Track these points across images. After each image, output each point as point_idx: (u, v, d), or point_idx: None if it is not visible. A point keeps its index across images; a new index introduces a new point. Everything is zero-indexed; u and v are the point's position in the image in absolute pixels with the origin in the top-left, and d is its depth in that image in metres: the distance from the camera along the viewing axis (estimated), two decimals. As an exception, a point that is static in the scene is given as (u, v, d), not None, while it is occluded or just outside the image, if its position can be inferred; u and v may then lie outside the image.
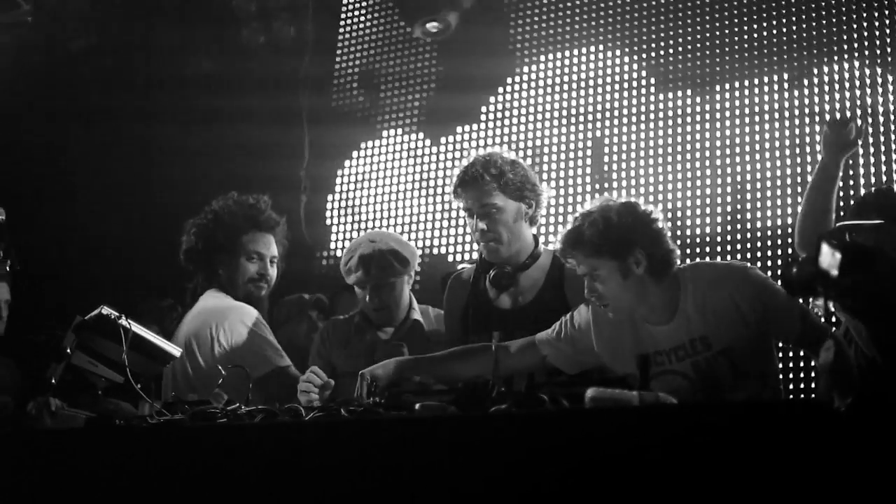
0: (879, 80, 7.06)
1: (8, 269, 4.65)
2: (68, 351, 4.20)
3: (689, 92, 7.59)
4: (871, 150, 6.94)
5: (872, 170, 6.93)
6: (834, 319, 5.13)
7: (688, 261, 4.41)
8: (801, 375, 6.58)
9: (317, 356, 5.25)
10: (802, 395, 6.50)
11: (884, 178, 6.86)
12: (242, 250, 5.37)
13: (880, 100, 7.02)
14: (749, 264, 4.43)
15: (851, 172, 6.90)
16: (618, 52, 7.96)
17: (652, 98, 7.72)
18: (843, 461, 2.89)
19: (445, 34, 8.28)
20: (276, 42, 8.98)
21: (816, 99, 7.19)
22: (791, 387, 6.51)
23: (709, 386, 4.20)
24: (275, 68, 8.82)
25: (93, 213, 8.45)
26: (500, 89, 8.30)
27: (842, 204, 6.42)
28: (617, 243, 4.19)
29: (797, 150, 7.13)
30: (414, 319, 5.25)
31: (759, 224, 7.08)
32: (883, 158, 6.94)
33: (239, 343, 5.08)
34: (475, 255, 7.43)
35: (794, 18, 7.43)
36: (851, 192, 6.86)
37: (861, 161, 6.93)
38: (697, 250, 7.12)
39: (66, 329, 4.24)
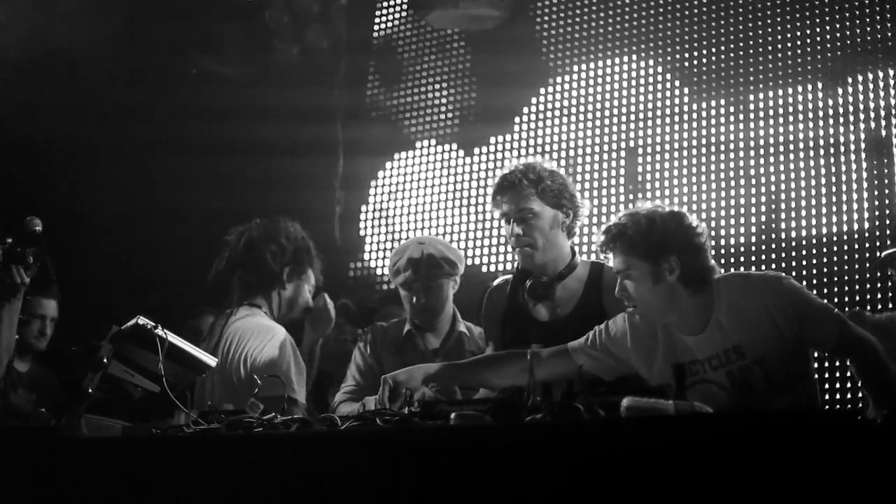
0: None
1: (25, 284, 4.69)
2: (104, 361, 4.21)
3: (721, 100, 7.58)
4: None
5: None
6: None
7: (722, 270, 4.40)
8: (838, 385, 6.55)
9: (368, 356, 5.26)
10: (838, 405, 6.48)
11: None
12: (307, 280, 5.41)
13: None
14: (783, 274, 4.41)
15: (887, 181, 6.88)
16: (651, 61, 7.96)
17: (685, 106, 7.72)
18: (878, 472, 2.88)
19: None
20: (309, 53, 9.01)
21: (851, 100, 7.16)
22: (827, 396, 6.49)
23: (744, 395, 4.19)
24: (309, 80, 8.83)
25: (128, 225, 8.48)
26: (534, 100, 8.31)
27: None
28: (654, 246, 4.21)
29: (832, 158, 7.11)
30: (460, 331, 5.29)
31: (793, 234, 7.06)
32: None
33: (276, 361, 5.10)
34: (510, 266, 7.51)
35: (827, 25, 7.41)
36: (887, 201, 6.84)
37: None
38: (732, 259, 7.10)
39: (103, 339, 4.26)
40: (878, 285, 6.60)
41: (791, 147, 7.25)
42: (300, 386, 5.06)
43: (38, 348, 6.69)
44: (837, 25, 7.40)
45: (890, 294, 6.63)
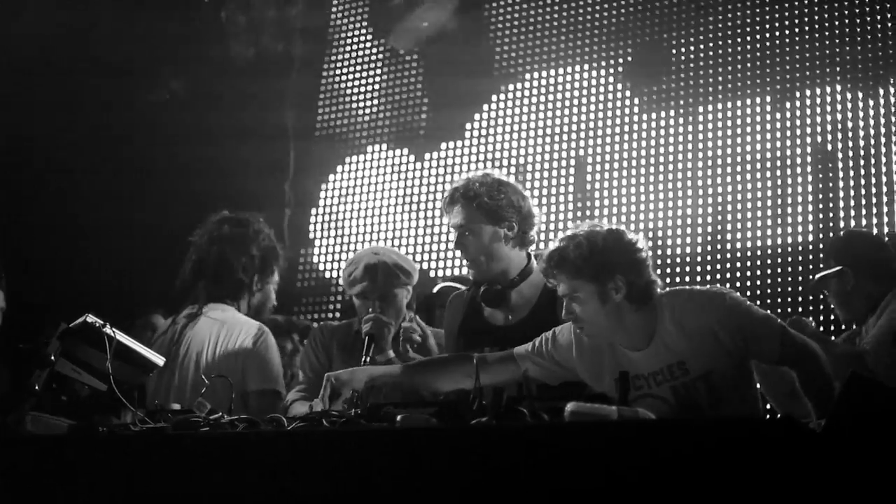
0: (861, 104, 7.13)
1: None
2: (52, 358, 4.20)
3: (671, 112, 7.65)
4: (851, 172, 7.01)
5: (852, 192, 7.00)
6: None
7: (667, 281, 4.45)
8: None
9: (319, 353, 5.26)
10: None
11: (862, 200, 6.93)
12: (273, 281, 5.46)
13: (861, 123, 7.09)
14: (727, 290, 4.44)
15: (832, 195, 6.98)
16: (602, 72, 8.03)
17: (635, 117, 7.79)
18: (816, 479, 2.93)
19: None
20: (264, 56, 9.01)
21: (798, 115, 7.26)
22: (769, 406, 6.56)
23: (688, 410, 4.21)
24: (262, 84, 8.83)
25: (82, 222, 8.43)
26: (485, 106, 8.37)
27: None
28: (599, 267, 4.22)
29: (777, 172, 7.20)
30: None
31: (738, 245, 7.14)
32: (862, 172, 7.01)
33: (264, 356, 5.15)
34: (457, 272, 7.55)
35: (777, 41, 7.50)
36: (831, 215, 6.94)
37: (841, 184, 7.01)
38: (678, 269, 7.16)
39: (51, 336, 4.25)
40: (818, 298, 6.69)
41: (738, 160, 7.33)
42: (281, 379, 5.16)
43: None
44: (787, 41, 7.50)
45: (822, 318, 6.73)
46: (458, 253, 5.33)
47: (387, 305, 5.17)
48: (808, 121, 7.25)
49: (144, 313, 6.67)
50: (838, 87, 7.23)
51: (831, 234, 6.89)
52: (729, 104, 7.50)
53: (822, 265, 5.68)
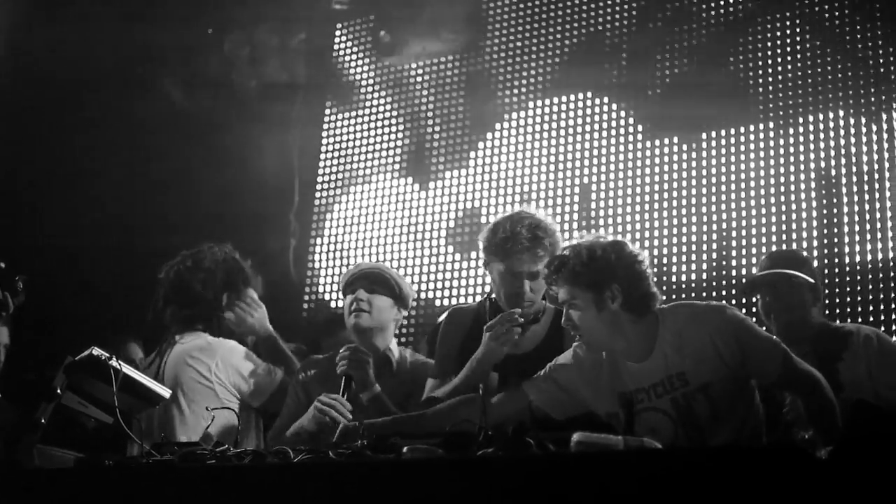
0: (864, 129, 7.14)
1: (9, 311, 4.67)
2: (58, 391, 4.21)
3: (675, 139, 7.66)
4: (855, 197, 7.02)
5: (856, 217, 7.00)
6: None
7: (670, 299, 4.48)
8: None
9: (299, 389, 5.26)
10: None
11: (867, 225, 6.94)
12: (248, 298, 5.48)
13: (864, 148, 7.10)
14: (728, 304, 4.49)
15: (836, 221, 6.99)
16: (606, 99, 8.04)
17: (639, 144, 7.80)
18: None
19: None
20: (267, 85, 9.03)
21: (802, 140, 7.27)
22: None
23: (688, 424, 4.26)
24: (266, 110, 8.85)
25: (85, 255, 8.43)
26: (489, 135, 8.37)
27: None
28: (595, 275, 4.30)
29: (781, 197, 7.20)
30: (386, 355, 5.30)
31: (743, 271, 7.14)
32: (867, 197, 7.02)
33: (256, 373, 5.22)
34: (461, 301, 7.54)
35: (779, 66, 7.52)
36: (835, 240, 6.94)
37: (845, 209, 7.01)
38: (683, 296, 7.16)
39: (57, 369, 4.26)
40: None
41: (742, 186, 7.34)
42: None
43: None
44: (790, 66, 7.51)
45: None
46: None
47: (374, 309, 5.20)
48: (812, 146, 7.26)
49: (119, 342, 6.64)
50: (841, 113, 7.24)
51: (836, 259, 6.90)
52: (732, 130, 7.51)
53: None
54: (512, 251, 4.80)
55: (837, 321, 6.13)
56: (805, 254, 6.39)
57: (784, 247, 7.03)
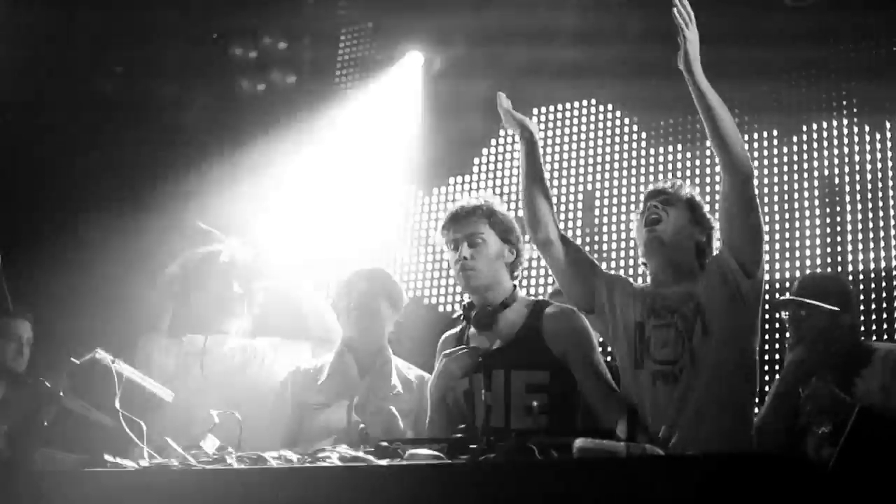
0: (868, 137, 7.14)
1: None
2: (61, 394, 4.21)
3: (679, 146, 7.66)
4: (859, 206, 7.01)
5: (860, 226, 6.99)
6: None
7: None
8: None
9: (288, 402, 5.27)
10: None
11: (870, 234, 6.93)
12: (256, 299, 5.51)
13: (868, 157, 7.09)
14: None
15: (840, 229, 6.98)
16: (609, 107, 8.04)
17: (643, 152, 7.80)
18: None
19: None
20: (274, 90, 9.03)
21: (805, 154, 7.27)
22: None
23: (687, 340, 4.51)
24: (272, 116, 8.85)
25: (90, 257, 8.42)
26: (493, 141, 8.36)
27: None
28: (700, 208, 4.80)
29: (785, 205, 7.20)
30: (387, 359, 5.29)
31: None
32: (870, 206, 7.01)
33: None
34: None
35: (782, 74, 7.51)
36: (839, 249, 6.93)
37: (849, 217, 7.01)
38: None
39: (59, 372, 4.26)
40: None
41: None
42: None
43: (17, 370, 6.66)
44: (793, 74, 7.51)
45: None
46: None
47: (366, 314, 5.20)
48: (815, 154, 7.26)
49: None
50: (845, 121, 7.24)
51: (839, 269, 6.90)
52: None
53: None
54: (449, 224, 4.94)
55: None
56: (837, 282, 6.22)
57: (787, 255, 7.05)
